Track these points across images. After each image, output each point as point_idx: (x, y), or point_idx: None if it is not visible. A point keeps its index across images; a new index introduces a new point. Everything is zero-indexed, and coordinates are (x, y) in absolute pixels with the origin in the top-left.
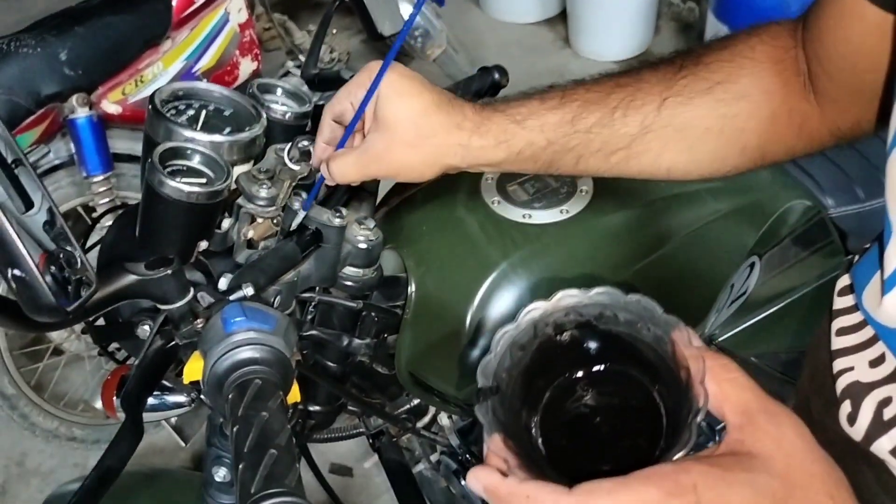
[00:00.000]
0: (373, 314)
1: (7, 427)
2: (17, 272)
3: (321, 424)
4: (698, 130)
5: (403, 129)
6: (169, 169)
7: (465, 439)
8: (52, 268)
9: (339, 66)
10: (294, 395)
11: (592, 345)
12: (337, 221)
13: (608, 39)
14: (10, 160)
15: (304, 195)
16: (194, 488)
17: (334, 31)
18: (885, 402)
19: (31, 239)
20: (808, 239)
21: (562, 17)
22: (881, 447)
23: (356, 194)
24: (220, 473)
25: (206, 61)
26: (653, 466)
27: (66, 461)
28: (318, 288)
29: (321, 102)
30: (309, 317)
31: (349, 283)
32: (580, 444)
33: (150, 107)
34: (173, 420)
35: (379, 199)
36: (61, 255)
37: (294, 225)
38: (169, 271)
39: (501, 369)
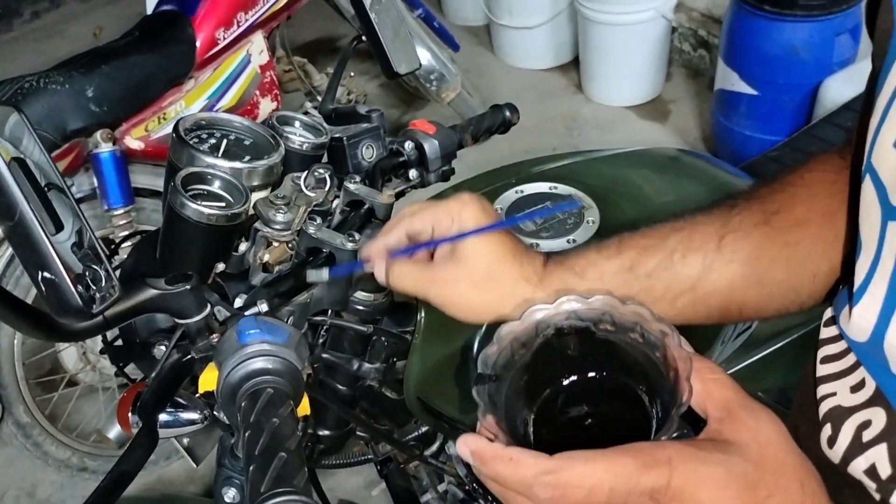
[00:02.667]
0: (383, 339)
1: (19, 457)
2: (46, 275)
3: (330, 450)
4: (763, 262)
5: (476, 269)
6: (190, 192)
7: (472, 469)
8: (79, 287)
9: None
10: (304, 408)
11: (590, 351)
12: (350, 245)
13: (620, 85)
14: (43, 184)
15: (318, 220)
16: None
17: (352, 74)
18: (865, 425)
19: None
20: None
21: (574, 64)
22: (857, 467)
23: (369, 221)
24: (230, 494)
25: (228, 100)
26: (632, 443)
27: (77, 492)
28: (330, 311)
29: (337, 135)
30: (321, 340)
31: (360, 308)
32: (570, 444)
33: (174, 135)
34: (185, 441)
35: None
36: (87, 274)
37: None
38: (188, 287)
39: (502, 362)
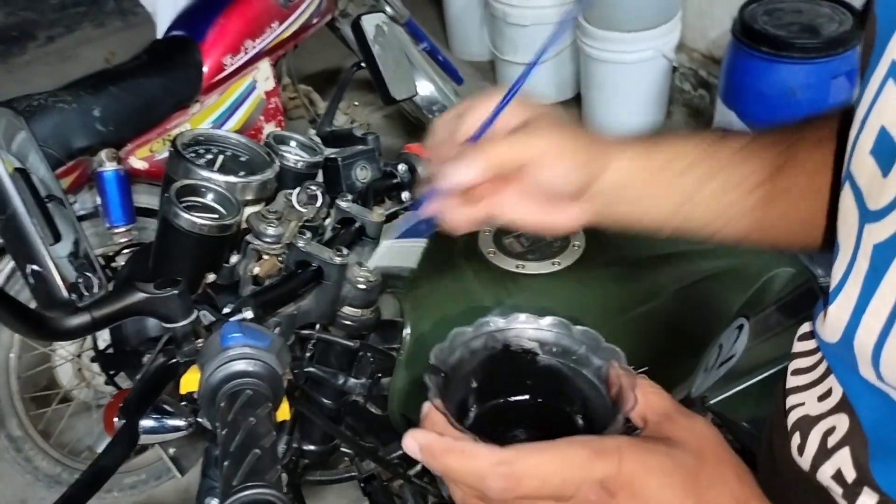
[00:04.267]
0: (369, 354)
1: (10, 473)
2: (34, 267)
3: (314, 465)
4: (828, 177)
5: (558, 120)
6: (185, 204)
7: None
8: (73, 295)
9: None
10: (284, 412)
11: (533, 374)
12: (338, 260)
13: (621, 122)
14: (44, 195)
15: (308, 234)
16: None
17: (356, 103)
18: (829, 431)
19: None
20: (796, 307)
21: (576, 100)
22: (825, 474)
23: (359, 239)
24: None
25: (232, 125)
26: (581, 435)
27: None
28: (317, 326)
29: (333, 155)
30: (308, 354)
31: (347, 323)
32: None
33: (171, 148)
34: (171, 451)
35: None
36: (81, 281)
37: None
38: (175, 291)
39: (451, 362)
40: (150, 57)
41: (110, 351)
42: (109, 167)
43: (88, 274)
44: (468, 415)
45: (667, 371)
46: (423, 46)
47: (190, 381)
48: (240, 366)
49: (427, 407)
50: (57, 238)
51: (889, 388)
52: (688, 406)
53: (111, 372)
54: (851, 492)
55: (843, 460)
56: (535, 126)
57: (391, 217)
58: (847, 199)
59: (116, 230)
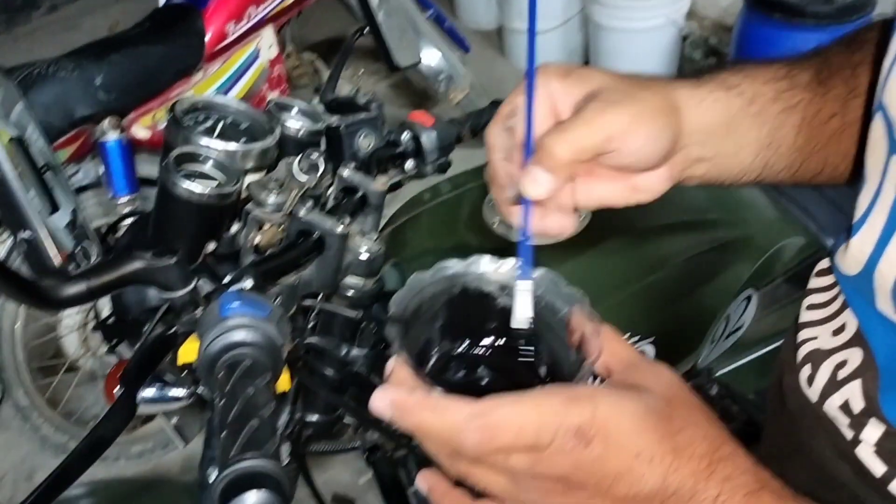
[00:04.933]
0: (372, 325)
1: (18, 441)
2: (26, 234)
3: (318, 436)
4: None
5: (620, 80)
6: (183, 172)
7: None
8: (71, 265)
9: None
10: (284, 383)
11: (492, 317)
12: (339, 229)
13: None
14: (40, 165)
15: (310, 203)
16: (191, 496)
17: (361, 70)
18: (841, 364)
19: (53, 239)
20: (805, 278)
21: None
22: (832, 404)
23: (362, 208)
24: (215, 475)
25: (235, 93)
26: (554, 384)
27: None
28: (319, 296)
29: (335, 124)
30: (310, 325)
31: (350, 293)
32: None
33: (170, 115)
34: (174, 420)
35: (387, 218)
36: (79, 251)
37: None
38: (173, 260)
39: (411, 308)
40: (153, 25)
41: (112, 320)
42: (112, 136)
43: (85, 244)
44: (429, 361)
45: (674, 342)
46: (430, 14)
47: (188, 351)
48: (238, 335)
49: (392, 363)
50: (54, 208)
51: None
52: (694, 377)
53: (113, 341)
54: (858, 422)
55: (852, 392)
56: (599, 100)
57: (394, 186)
58: (877, 129)
59: (119, 200)
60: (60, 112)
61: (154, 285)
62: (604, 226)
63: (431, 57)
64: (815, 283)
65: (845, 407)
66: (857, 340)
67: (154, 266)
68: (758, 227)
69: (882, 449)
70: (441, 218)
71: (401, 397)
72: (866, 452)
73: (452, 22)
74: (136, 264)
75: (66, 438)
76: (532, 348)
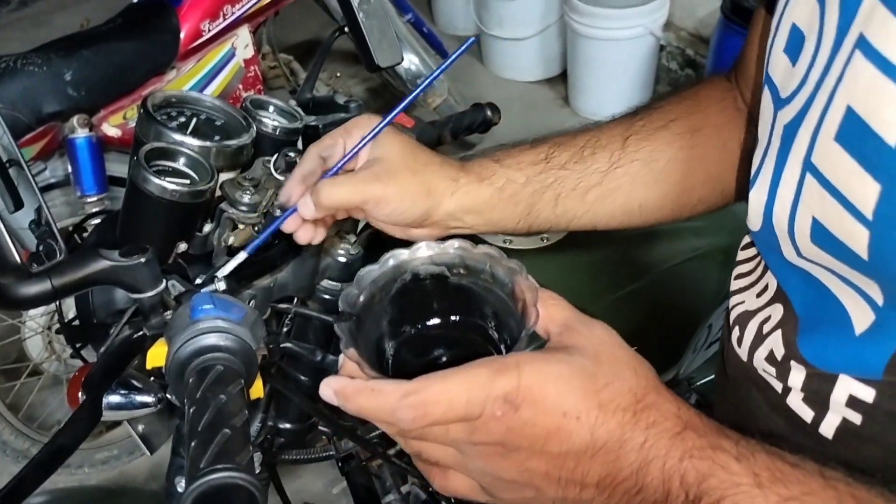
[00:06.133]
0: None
1: None
2: None
3: (291, 444)
4: (662, 162)
5: (403, 157)
6: (155, 168)
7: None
8: (34, 265)
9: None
10: (257, 390)
11: (444, 296)
12: None
13: (606, 100)
14: (5, 159)
15: None
16: None
17: (338, 74)
18: (766, 320)
19: (16, 238)
20: None
21: (562, 78)
22: (759, 357)
23: None
24: (183, 484)
25: (209, 92)
26: (483, 358)
27: None
28: (295, 300)
29: (313, 123)
30: (284, 329)
31: (326, 297)
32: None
33: (141, 110)
34: (140, 428)
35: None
36: (42, 250)
37: (229, 267)
38: (142, 259)
39: (362, 303)
40: (125, 21)
41: (76, 323)
42: (81, 134)
43: (51, 242)
44: (387, 350)
45: (657, 351)
46: (408, 18)
47: (157, 356)
48: (210, 339)
49: (342, 358)
50: (18, 205)
51: (808, 262)
52: (674, 387)
53: (77, 345)
54: (783, 369)
55: (775, 342)
56: (377, 169)
57: None
58: (765, 98)
59: (88, 199)
60: (28, 107)
61: (121, 286)
62: (587, 234)
63: (409, 61)
64: (740, 255)
65: (770, 358)
66: (777, 297)
67: (122, 265)
68: (742, 236)
69: (808, 393)
70: None
71: (342, 384)
72: (795, 400)
73: (430, 27)
74: (103, 263)
75: (27, 445)
76: (486, 322)
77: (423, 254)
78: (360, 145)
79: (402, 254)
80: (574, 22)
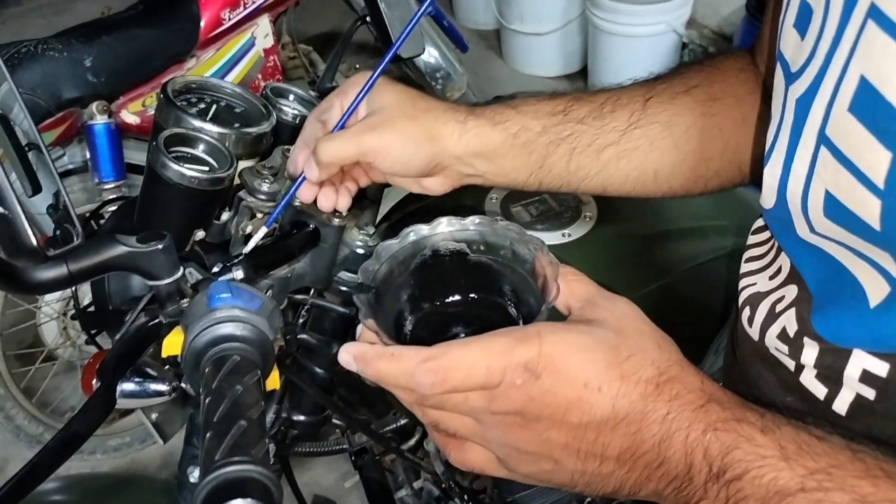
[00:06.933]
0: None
1: None
2: (1, 211)
3: (304, 436)
4: (682, 128)
5: (400, 105)
6: (173, 154)
7: (450, 467)
8: (51, 249)
9: None
10: (273, 381)
11: (464, 272)
12: (336, 221)
13: None
14: (24, 143)
15: None
16: (168, 495)
17: (357, 66)
18: (778, 300)
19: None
20: None
21: (582, 74)
22: (771, 335)
23: (359, 202)
24: (195, 474)
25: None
26: (504, 328)
27: None
28: (312, 291)
29: None
30: (300, 320)
31: (344, 289)
32: None
33: (161, 95)
34: (153, 416)
35: (383, 214)
36: (59, 234)
37: (251, 245)
38: (160, 246)
39: (381, 276)
40: (146, 8)
41: (92, 309)
42: (100, 120)
43: (68, 226)
44: (406, 325)
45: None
46: (429, 11)
47: (173, 344)
48: (227, 329)
49: (360, 328)
50: (37, 190)
51: (821, 238)
52: None
53: (92, 331)
54: (795, 346)
55: (787, 320)
56: (373, 119)
57: None
58: (777, 75)
59: (105, 186)
60: (47, 93)
61: (138, 272)
62: (608, 229)
63: (430, 54)
64: (751, 240)
65: (783, 335)
66: (791, 279)
67: (139, 251)
68: None
69: (821, 369)
70: (440, 214)
71: (362, 350)
72: (808, 378)
73: (451, 20)
74: (121, 249)
75: (40, 430)
76: (505, 299)
77: (443, 229)
78: (356, 101)
79: (423, 229)
80: (596, 17)
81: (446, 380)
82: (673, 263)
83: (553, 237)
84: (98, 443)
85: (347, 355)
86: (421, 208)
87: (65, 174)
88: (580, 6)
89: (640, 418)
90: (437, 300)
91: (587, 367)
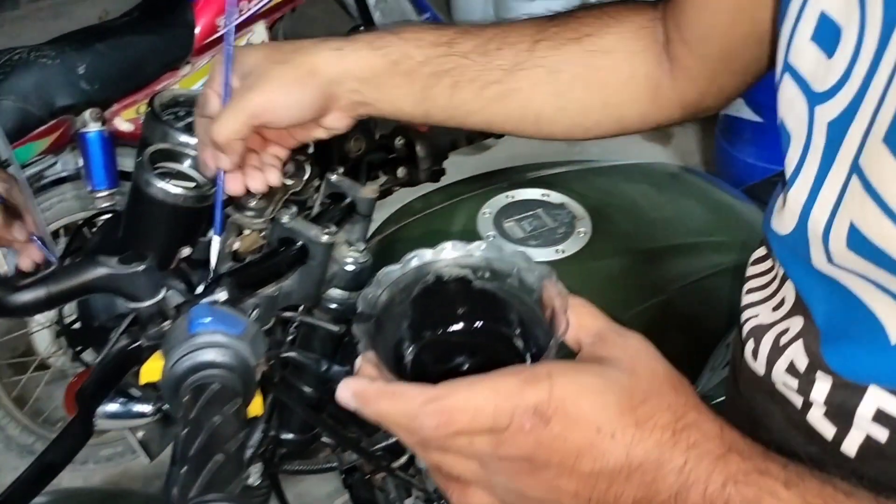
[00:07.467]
0: (355, 340)
1: None
2: None
3: (293, 454)
4: (567, 76)
5: (267, 56)
6: (159, 170)
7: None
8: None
9: None
10: (256, 407)
11: (468, 300)
12: (324, 238)
13: None
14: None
15: (294, 209)
16: None
17: None
18: (783, 332)
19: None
20: None
21: None
22: (779, 370)
23: (349, 216)
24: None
25: None
26: (512, 366)
27: None
28: (300, 308)
29: None
30: (289, 338)
31: (333, 306)
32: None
33: (148, 109)
34: (140, 434)
35: (375, 228)
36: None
37: (213, 259)
38: (141, 267)
39: (382, 304)
40: (141, 14)
41: (78, 325)
42: (93, 128)
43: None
44: (406, 354)
45: (675, 369)
46: (426, 17)
47: (152, 371)
48: (208, 355)
49: (359, 360)
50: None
51: (838, 269)
52: None
53: (78, 348)
54: (806, 381)
55: (795, 352)
56: (247, 82)
57: (385, 193)
58: (789, 88)
59: (98, 194)
60: (40, 100)
61: (119, 294)
62: (602, 245)
63: None
64: (752, 270)
65: (791, 369)
66: (796, 310)
67: (119, 273)
68: None
69: (831, 406)
70: (433, 229)
71: (362, 387)
72: (816, 416)
73: None
74: (100, 271)
75: (32, 440)
76: (511, 329)
77: (447, 255)
78: (224, 80)
79: (426, 254)
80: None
81: (451, 422)
82: (669, 280)
83: (546, 253)
84: (90, 452)
85: (346, 392)
86: (412, 223)
87: (58, 182)
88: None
89: (656, 467)
90: (440, 328)
91: (600, 411)
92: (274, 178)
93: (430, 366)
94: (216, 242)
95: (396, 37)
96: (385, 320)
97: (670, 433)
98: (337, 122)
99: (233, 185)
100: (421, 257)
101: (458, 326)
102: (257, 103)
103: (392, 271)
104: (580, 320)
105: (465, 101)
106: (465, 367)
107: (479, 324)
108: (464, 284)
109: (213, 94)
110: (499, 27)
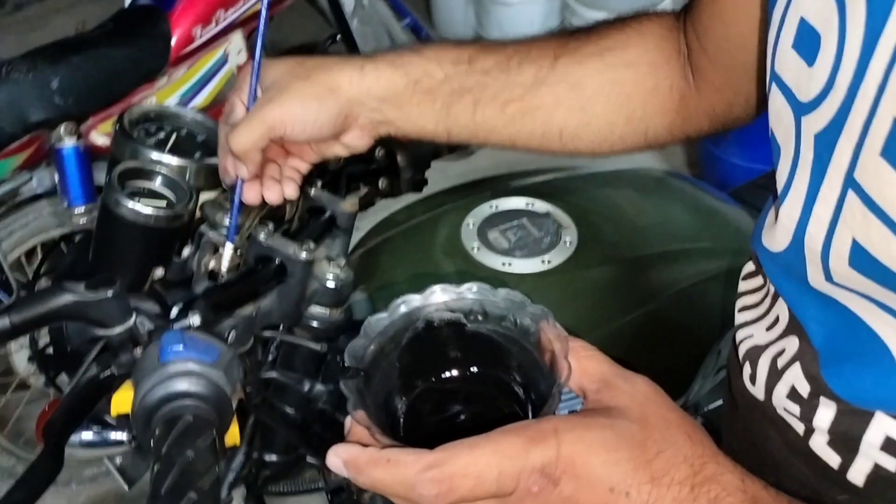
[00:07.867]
0: (338, 358)
1: None
2: None
3: (277, 476)
4: (589, 90)
5: (289, 72)
6: (128, 190)
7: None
8: None
9: None
10: (233, 436)
11: (461, 345)
12: (303, 255)
13: None
14: None
15: (270, 226)
16: None
17: None
18: (779, 354)
19: None
20: None
21: None
22: (779, 395)
23: (329, 231)
24: None
25: (201, 100)
26: (515, 423)
27: None
28: (281, 327)
29: None
30: (270, 357)
31: (314, 324)
32: (446, 438)
33: (116, 126)
34: (117, 460)
35: (356, 241)
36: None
37: (225, 265)
38: (109, 293)
39: (370, 356)
40: (116, 26)
41: (50, 350)
42: (68, 143)
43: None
44: (399, 407)
45: (665, 378)
46: (406, 23)
47: (122, 401)
48: (180, 385)
49: (349, 422)
50: None
51: (837, 288)
52: None
53: (51, 373)
54: (809, 407)
55: (794, 377)
56: (269, 94)
57: (366, 205)
58: (777, 99)
59: (75, 210)
60: (13, 116)
61: (87, 321)
62: (589, 254)
63: None
64: (743, 286)
65: (793, 394)
66: (791, 329)
67: (86, 300)
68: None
69: (836, 435)
70: (416, 241)
71: (353, 454)
72: (820, 443)
73: (429, 31)
74: (66, 298)
75: (12, 462)
76: (508, 374)
77: (437, 299)
78: (251, 90)
79: (415, 299)
80: (574, 26)
81: (452, 489)
82: (657, 288)
83: (532, 264)
84: (73, 473)
85: (337, 459)
86: (395, 236)
87: (34, 198)
88: (559, 15)
89: None
90: (433, 376)
91: (612, 468)
92: (291, 191)
93: (426, 416)
94: (229, 249)
95: (417, 55)
96: (374, 373)
97: (689, 488)
98: (357, 141)
99: (249, 194)
100: (409, 303)
101: (453, 373)
102: (275, 116)
103: (379, 320)
104: (582, 365)
105: (488, 118)
106: (463, 416)
107: (474, 369)
108: (456, 329)
109: (238, 102)
110: (520, 43)
